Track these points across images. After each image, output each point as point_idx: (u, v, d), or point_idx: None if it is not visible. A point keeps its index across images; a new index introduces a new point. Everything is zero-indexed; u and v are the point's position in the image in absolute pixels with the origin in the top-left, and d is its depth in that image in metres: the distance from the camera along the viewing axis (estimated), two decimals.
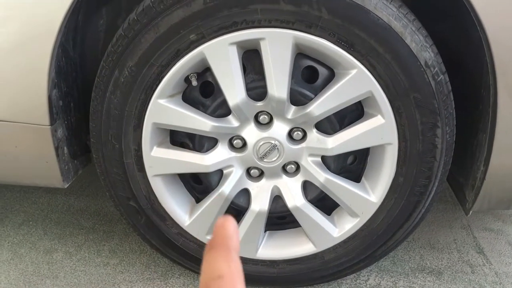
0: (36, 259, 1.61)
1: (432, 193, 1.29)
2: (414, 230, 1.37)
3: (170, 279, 1.53)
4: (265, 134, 1.25)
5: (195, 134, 1.29)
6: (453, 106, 1.22)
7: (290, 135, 1.26)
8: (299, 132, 1.25)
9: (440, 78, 1.16)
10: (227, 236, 0.39)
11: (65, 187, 1.38)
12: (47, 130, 1.26)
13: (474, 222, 1.88)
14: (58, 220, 1.83)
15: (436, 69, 1.15)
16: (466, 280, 1.56)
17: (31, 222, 1.81)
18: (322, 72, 1.22)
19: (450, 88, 1.20)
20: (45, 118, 1.24)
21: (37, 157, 1.31)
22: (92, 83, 1.26)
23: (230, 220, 0.40)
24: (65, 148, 1.36)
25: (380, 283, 1.53)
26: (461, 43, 1.37)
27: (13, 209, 1.89)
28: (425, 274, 1.58)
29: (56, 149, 1.31)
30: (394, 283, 1.54)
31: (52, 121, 1.26)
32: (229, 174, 1.31)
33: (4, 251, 1.64)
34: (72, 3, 1.14)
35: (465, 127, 1.40)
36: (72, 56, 1.37)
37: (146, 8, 1.14)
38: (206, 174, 1.34)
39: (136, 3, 1.19)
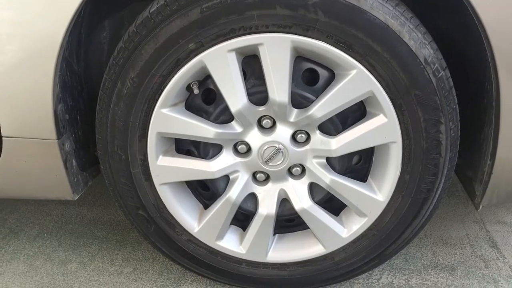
0: (51, 270, 1.63)
1: (440, 189, 1.29)
2: (423, 227, 1.36)
3: (183, 285, 1.54)
4: (269, 138, 1.26)
5: (199, 142, 1.31)
6: (456, 101, 1.21)
7: (293, 138, 1.26)
8: (303, 135, 1.26)
9: (441, 74, 1.16)
10: None
11: (75, 199, 1.40)
12: (55, 144, 1.28)
13: (487, 215, 1.86)
14: (72, 231, 1.85)
15: (436, 65, 1.15)
16: (479, 275, 1.55)
17: (45, 234, 1.84)
18: (323, 74, 1.22)
19: (451, 83, 1.19)
20: (52, 133, 1.27)
21: (46, 171, 1.34)
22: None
23: None
24: (74, 160, 1.38)
25: (392, 281, 1.53)
26: (463, 38, 1.36)
27: (28, 222, 1.92)
28: (438, 271, 1.57)
29: (65, 162, 1.33)
30: (406, 281, 1.53)
31: (59, 135, 1.29)
32: (235, 179, 1.32)
33: (20, 264, 1.67)
34: (73, 17, 1.16)
35: (472, 121, 1.39)
36: (77, 70, 1.39)
37: (145, 19, 1.16)
38: (212, 181, 1.35)
39: (138, 14, 1.21)
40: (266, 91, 1.19)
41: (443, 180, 1.27)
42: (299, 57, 1.20)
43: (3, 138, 1.29)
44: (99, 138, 1.31)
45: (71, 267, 1.65)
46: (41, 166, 1.33)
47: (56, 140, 1.28)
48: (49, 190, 1.39)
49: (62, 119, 1.30)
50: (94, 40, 1.46)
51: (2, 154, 1.31)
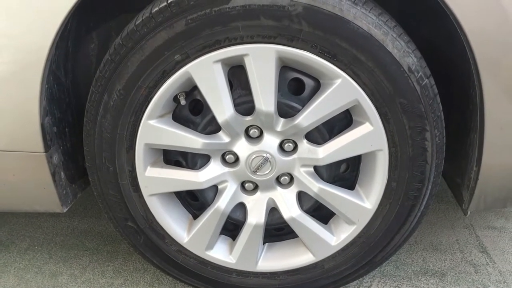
0: (42, 283, 1.62)
1: (427, 196, 1.30)
2: (412, 234, 1.37)
3: None
4: (256, 147, 1.26)
5: (187, 152, 1.31)
6: (441, 108, 1.22)
7: (281, 147, 1.27)
8: (290, 144, 1.26)
9: (425, 82, 1.17)
10: None
11: (64, 211, 1.40)
12: (42, 157, 1.28)
13: (477, 220, 1.87)
14: (63, 243, 1.85)
15: (420, 73, 1.16)
16: (469, 280, 1.55)
17: (36, 247, 1.83)
18: (308, 83, 1.23)
19: (436, 91, 1.20)
20: (39, 145, 1.27)
21: (34, 184, 1.33)
22: None
23: None
24: (62, 173, 1.38)
25: None
26: (447, 46, 1.37)
27: (19, 235, 1.91)
28: (428, 277, 1.57)
29: (53, 174, 1.33)
30: (397, 287, 1.53)
31: (47, 147, 1.29)
32: (223, 189, 1.33)
33: (11, 277, 1.66)
34: (59, 30, 1.17)
35: (458, 127, 1.40)
36: (65, 82, 1.40)
37: (130, 32, 1.16)
38: (201, 191, 1.36)
39: (125, 25, 1.22)
40: (252, 101, 1.19)
41: (430, 187, 1.28)
42: (285, 66, 1.21)
43: None
44: (87, 150, 1.31)
45: (62, 279, 1.64)
46: (29, 179, 1.33)
47: (44, 153, 1.28)
48: (37, 203, 1.39)
49: (49, 132, 1.30)
50: (82, 53, 1.47)
51: None
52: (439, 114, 1.21)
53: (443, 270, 1.60)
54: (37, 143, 1.26)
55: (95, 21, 1.46)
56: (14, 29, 1.17)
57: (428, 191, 1.28)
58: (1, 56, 1.19)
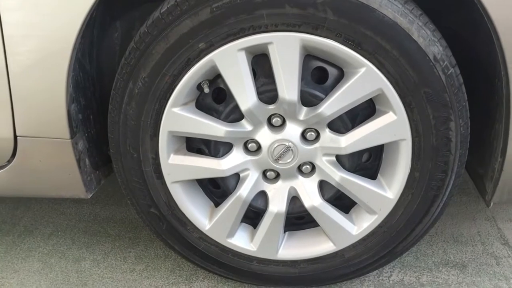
0: (65, 268, 1.66)
1: (450, 186, 1.29)
2: (433, 225, 1.36)
3: (195, 282, 1.56)
4: (278, 136, 1.27)
5: (210, 140, 1.32)
6: (466, 98, 1.21)
7: (303, 136, 1.27)
8: (312, 133, 1.26)
9: (450, 71, 1.16)
10: None
11: (89, 197, 1.42)
12: (68, 143, 1.31)
13: (498, 213, 1.86)
14: (86, 229, 1.88)
15: (445, 62, 1.15)
16: (491, 272, 1.54)
17: (59, 233, 1.86)
18: (332, 72, 1.23)
19: (461, 81, 1.19)
20: (65, 132, 1.29)
21: (60, 169, 1.36)
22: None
23: None
24: (87, 159, 1.40)
25: (403, 278, 1.53)
26: (473, 35, 1.36)
27: (42, 221, 1.95)
28: (448, 268, 1.57)
29: (78, 161, 1.35)
30: (417, 278, 1.53)
31: (72, 134, 1.31)
32: (245, 177, 1.33)
33: (35, 261, 1.69)
34: (86, 18, 1.18)
35: (482, 118, 1.39)
36: (89, 70, 1.42)
37: (156, 20, 1.17)
38: (223, 179, 1.37)
39: (149, 14, 1.23)
40: (275, 90, 1.20)
41: (453, 178, 1.27)
42: (308, 55, 1.21)
43: (18, 137, 1.32)
44: (111, 137, 1.33)
45: (85, 264, 1.67)
46: (55, 165, 1.36)
47: (70, 140, 1.31)
48: (63, 189, 1.41)
49: (75, 119, 1.32)
50: (106, 42, 1.48)
51: (17, 153, 1.34)
52: (464, 104, 1.20)
53: (464, 261, 1.59)
54: (63, 129, 1.29)
55: (120, 9, 1.47)
56: (42, 17, 1.18)
57: (452, 182, 1.28)
58: (29, 44, 1.21)
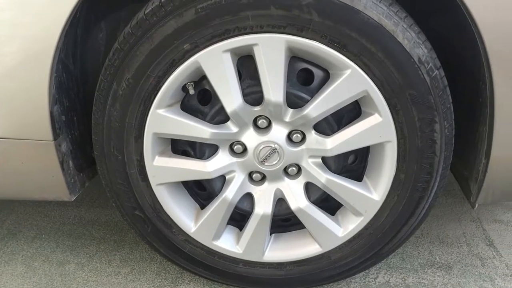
0: (49, 271, 1.64)
1: (435, 188, 1.29)
2: (419, 226, 1.37)
3: (181, 285, 1.55)
4: (264, 138, 1.26)
5: (195, 142, 1.31)
6: (450, 100, 1.22)
7: (289, 137, 1.27)
8: (298, 135, 1.26)
9: (435, 73, 1.16)
10: None
11: (72, 199, 1.40)
12: (51, 145, 1.29)
13: (484, 214, 1.87)
14: (70, 232, 1.86)
15: (430, 64, 1.16)
16: (476, 273, 1.55)
17: (43, 236, 1.84)
18: (317, 74, 1.23)
19: (446, 83, 1.20)
20: (48, 134, 1.27)
21: (43, 172, 1.34)
22: None
23: None
24: (70, 161, 1.38)
25: (389, 280, 1.53)
26: (457, 37, 1.36)
27: (26, 224, 1.92)
28: (434, 269, 1.57)
29: (61, 163, 1.33)
30: (403, 279, 1.54)
31: (55, 136, 1.29)
32: (231, 179, 1.33)
33: (18, 265, 1.67)
34: (69, 17, 1.16)
35: (467, 120, 1.39)
36: (73, 71, 1.40)
37: (140, 20, 1.16)
38: (209, 181, 1.36)
39: (134, 15, 1.22)
40: (261, 91, 1.19)
41: (438, 179, 1.28)
42: (294, 57, 1.20)
43: None
44: (95, 139, 1.31)
45: (69, 268, 1.65)
46: (38, 167, 1.34)
47: (53, 141, 1.29)
48: (46, 191, 1.39)
49: (58, 120, 1.30)
50: (91, 42, 1.47)
51: None
52: (448, 106, 1.21)
53: (450, 262, 1.60)
54: (46, 131, 1.27)
55: (104, 10, 1.46)
56: (24, 17, 1.17)
57: (436, 183, 1.28)
58: (11, 44, 1.19)
